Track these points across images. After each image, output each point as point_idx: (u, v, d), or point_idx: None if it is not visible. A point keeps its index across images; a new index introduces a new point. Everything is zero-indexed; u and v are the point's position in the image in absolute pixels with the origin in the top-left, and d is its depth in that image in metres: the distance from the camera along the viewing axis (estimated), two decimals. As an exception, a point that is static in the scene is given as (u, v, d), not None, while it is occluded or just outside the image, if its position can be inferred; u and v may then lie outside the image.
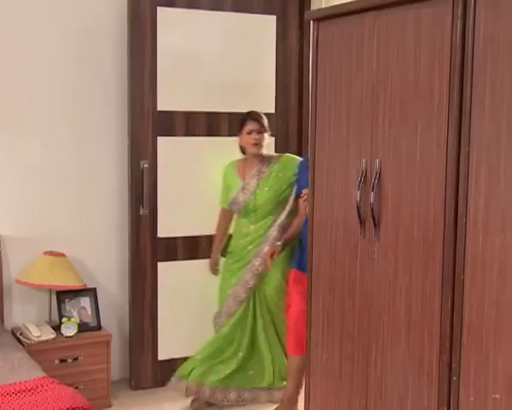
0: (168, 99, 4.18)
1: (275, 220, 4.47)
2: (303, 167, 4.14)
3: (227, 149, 4.47)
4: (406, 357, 3.07)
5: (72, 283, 4.34)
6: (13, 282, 4.40)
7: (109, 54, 4.57)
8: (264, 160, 4.48)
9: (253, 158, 4.46)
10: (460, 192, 2.78)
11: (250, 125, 4.34)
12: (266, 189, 4.44)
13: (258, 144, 4.39)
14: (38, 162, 4.48)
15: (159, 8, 4.37)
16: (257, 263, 4.45)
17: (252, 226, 4.47)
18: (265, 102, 4.77)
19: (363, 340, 3.31)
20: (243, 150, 4.48)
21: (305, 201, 3.99)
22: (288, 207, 4.47)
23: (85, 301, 4.48)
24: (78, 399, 3.17)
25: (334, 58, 3.42)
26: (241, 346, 4.47)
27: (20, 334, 4.25)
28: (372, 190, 3.16)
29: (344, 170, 3.39)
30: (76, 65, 4.52)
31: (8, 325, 4.43)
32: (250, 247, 4.49)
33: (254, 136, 4.35)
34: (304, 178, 4.00)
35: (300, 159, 4.48)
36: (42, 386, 3.26)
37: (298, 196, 4.30)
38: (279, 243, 4.29)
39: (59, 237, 4.51)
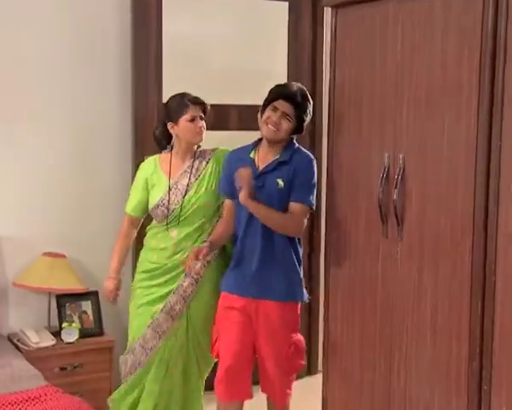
0: (174, 90, 4.17)
1: (207, 229, 3.86)
2: (231, 161, 3.72)
3: (236, 143, 4.47)
4: (432, 363, 3.08)
5: (72, 286, 4.32)
6: (9, 285, 4.38)
7: (112, 42, 4.54)
8: (197, 155, 3.91)
9: (185, 151, 3.88)
10: (490, 189, 2.79)
11: (193, 111, 3.78)
12: (203, 189, 3.84)
13: (203, 133, 3.86)
14: (38, 160, 4.45)
15: (164, -8, 4.38)
16: (185, 284, 3.82)
17: (177, 237, 3.84)
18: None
19: (385, 346, 3.33)
20: (164, 141, 3.93)
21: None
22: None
23: (87, 306, 4.45)
24: (84, 408, 3.18)
25: (354, 47, 3.45)
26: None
27: (18, 340, 4.21)
28: (395, 187, 3.17)
29: (365, 165, 3.41)
30: (77, 56, 4.50)
31: (4, 330, 4.39)
32: (175, 264, 3.85)
33: (199, 123, 3.80)
34: (227, 175, 3.68)
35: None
36: (45, 395, 3.26)
37: (223, 194, 3.79)
38: (205, 243, 3.65)
39: (59, 238, 4.48)
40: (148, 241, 3.95)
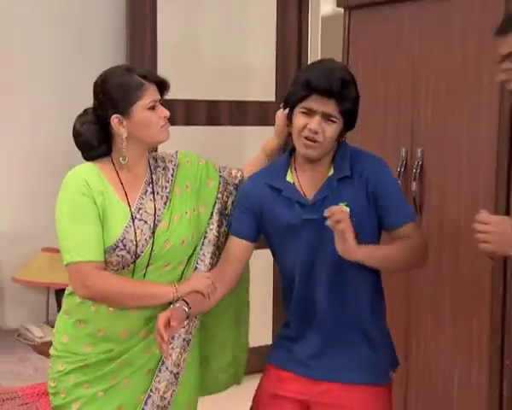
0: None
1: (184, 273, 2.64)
2: (257, 190, 2.62)
3: (228, 138, 4.63)
4: (452, 342, 3.35)
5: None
6: (7, 281, 4.46)
7: (107, 40, 4.69)
8: (151, 163, 2.65)
9: (139, 159, 2.59)
10: (512, 180, 3.07)
11: (152, 92, 2.51)
12: (176, 218, 2.58)
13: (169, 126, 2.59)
14: (34, 156, 4.57)
15: (158, -9, 4.54)
16: (161, 385, 2.60)
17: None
18: (266, 89, 4.97)
19: (402, 327, 3.57)
20: (103, 146, 2.59)
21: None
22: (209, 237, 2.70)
23: (86, 300, 4.57)
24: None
25: (368, 46, 3.68)
26: None
27: (18, 335, 4.30)
28: (414, 180, 3.42)
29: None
30: (71, 53, 4.62)
31: (4, 326, 4.48)
32: (140, 349, 2.57)
33: (163, 110, 2.53)
34: (249, 212, 2.62)
35: (204, 159, 2.74)
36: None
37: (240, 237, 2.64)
38: (184, 306, 2.42)
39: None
40: (80, 311, 2.57)
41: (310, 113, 2.45)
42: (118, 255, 2.47)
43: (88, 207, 2.47)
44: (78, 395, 2.55)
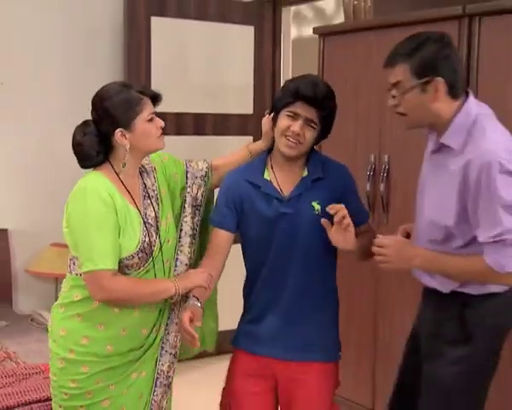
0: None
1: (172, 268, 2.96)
2: (237, 185, 2.93)
3: (212, 147, 5.17)
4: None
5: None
6: (21, 272, 4.99)
7: (106, 62, 5.29)
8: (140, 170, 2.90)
9: (136, 167, 2.84)
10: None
11: (149, 106, 2.76)
12: (165, 218, 2.87)
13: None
14: (41, 158, 5.08)
15: (153, 18, 5.09)
16: (165, 366, 2.93)
17: None
18: (245, 104, 5.57)
19: (371, 312, 4.18)
20: (102, 156, 2.77)
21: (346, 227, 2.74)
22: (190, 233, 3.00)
23: (90, 288, 5.10)
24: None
25: (340, 66, 4.26)
26: None
27: (31, 320, 4.78)
28: (382, 182, 4.04)
29: (350, 165, 4.22)
30: (75, 64, 5.21)
31: (19, 312, 4.97)
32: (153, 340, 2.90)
33: (159, 121, 2.79)
34: (230, 204, 2.91)
35: (167, 154, 3.00)
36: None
37: (224, 228, 2.93)
38: (196, 302, 2.75)
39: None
40: (100, 315, 2.76)
41: (294, 117, 2.77)
42: (139, 258, 2.72)
43: (110, 218, 2.66)
44: (107, 395, 2.79)
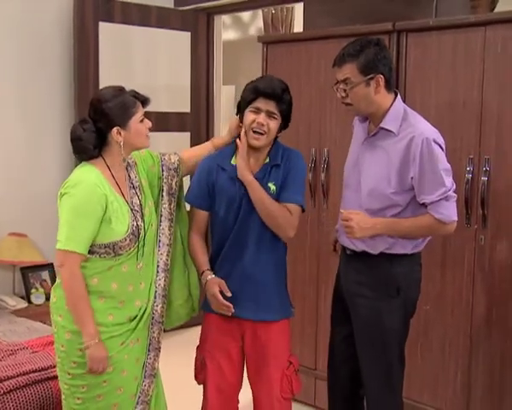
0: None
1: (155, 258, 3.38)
2: (209, 169, 3.39)
3: (153, 143, 5.58)
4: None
5: (34, 258, 5.28)
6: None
7: (56, 65, 5.62)
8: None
9: (121, 161, 3.22)
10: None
11: (141, 108, 3.20)
12: (148, 206, 3.29)
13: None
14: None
15: (100, 23, 5.47)
16: (155, 333, 3.38)
17: (139, 275, 3.25)
18: (183, 103, 6.03)
19: (313, 282, 4.74)
20: (96, 150, 3.16)
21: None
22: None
23: (45, 275, 5.43)
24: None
25: (282, 72, 4.72)
26: None
27: (-5, 304, 5.11)
28: (322, 172, 4.60)
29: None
30: (26, 70, 5.49)
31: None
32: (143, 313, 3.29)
33: (148, 122, 3.25)
34: (203, 185, 3.38)
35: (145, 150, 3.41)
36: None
37: (197, 207, 3.43)
38: (212, 275, 3.32)
39: (21, 220, 5.37)
40: (99, 289, 3.14)
41: (257, 111, 3.22)
42: (130, 240, 3.11)
43: (96, 210, 3.02)
44: (110, 361, 3.12)
